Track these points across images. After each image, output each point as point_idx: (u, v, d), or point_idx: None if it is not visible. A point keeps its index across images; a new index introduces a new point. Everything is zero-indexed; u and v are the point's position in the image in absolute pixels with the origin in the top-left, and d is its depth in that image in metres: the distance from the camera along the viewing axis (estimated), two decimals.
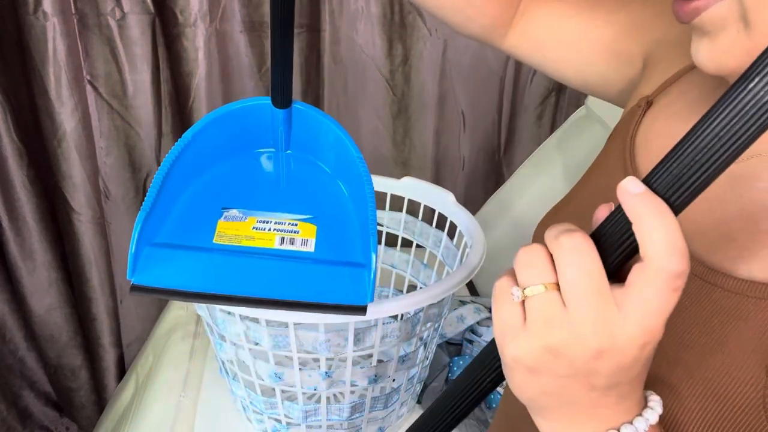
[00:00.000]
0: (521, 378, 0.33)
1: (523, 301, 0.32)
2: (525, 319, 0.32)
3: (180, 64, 1.19)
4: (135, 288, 0.44)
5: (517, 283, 0.32)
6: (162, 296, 0.44)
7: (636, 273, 0.29)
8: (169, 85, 1.21)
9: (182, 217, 0.50)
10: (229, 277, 0.45)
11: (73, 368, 1.43)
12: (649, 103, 0.51)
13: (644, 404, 0.34)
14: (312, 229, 0.49)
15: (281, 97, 0.52)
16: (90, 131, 1.20)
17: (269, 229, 0.49)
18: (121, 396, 1.12)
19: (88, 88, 1.17)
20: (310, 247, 0.47)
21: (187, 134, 0.51)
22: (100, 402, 1.48)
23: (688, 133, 0.28)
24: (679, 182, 0.28)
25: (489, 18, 0.61)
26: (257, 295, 0.43)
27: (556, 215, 0.55)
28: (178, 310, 1.11)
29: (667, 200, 0.29)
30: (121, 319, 1.40)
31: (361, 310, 0.43)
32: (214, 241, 0.47)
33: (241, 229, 0.48)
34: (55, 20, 1.08)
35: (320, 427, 0.78)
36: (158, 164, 1.27)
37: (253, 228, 0.48)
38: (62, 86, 1.12)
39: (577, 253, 0.30)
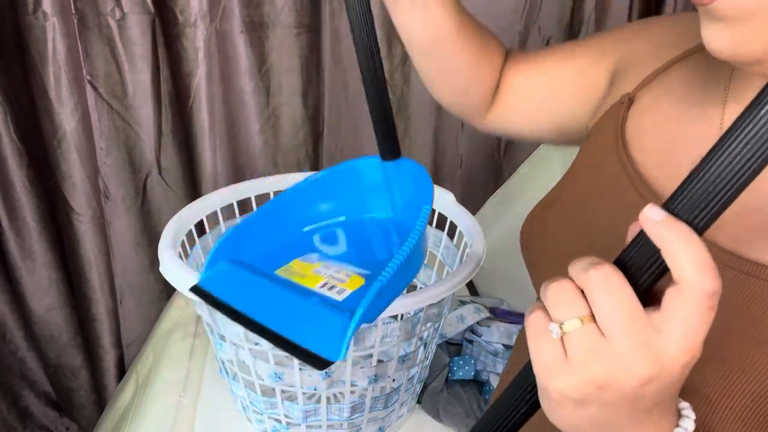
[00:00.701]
0: (567, 412, 0.33)
1: (561, 337, 0.32)
2: (565, 353, 0.32)
3: (180, 64, 1.19)
4: (195, 289, 0.47)
5: (550, 318, 0.32)
6: (209, 303, 0.46)
7: (671, 297, 0.29)
8: (169, 85, 1.21)
9: (270, 246, 0.52)
10: (255, 300, 0.46)
11: (73, 368, 1.43)
12: (630, 99, 0.52)
13: (678, 413, 0.34)
14: (359, 282, 0.48)
15: (390, 148, 0.53)
16: (90, 131, 1.20)
17: (323, 274, 0.49)
18: (121, 396, 1.12)
19: (88, 88, 1.17)
20: (341, 297, 0.46)
21: (309, 178, 0.54)
22: (100, 402, 1.48)
23: (706, 156, 0.29)
24: (701, 204, 0.29)
25: (479, 95, 0.64)
26: (261, 321, 0.44)
27: (547, 210, 0.55)
28: (177, 311, 1.11)
29: (690, 223, 0.29)
30: (121, 319, 1.39)
31: (324, 363, 0.40)
32: (275, 272, 0.49)
33: (305, 268, 0.49)
34: (55, 20, 1.08)
35: (320, 427, 0.79)
36: (158, 164, 1.27)
37: (314, 271, 0.49)
38: (62, 86, 1.12)
39: (608, 285, 0.30)
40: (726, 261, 0.39)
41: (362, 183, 0.56)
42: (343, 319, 0.41)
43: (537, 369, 0.33)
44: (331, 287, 0.47)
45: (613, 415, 0.32)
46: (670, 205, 0.30)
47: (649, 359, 0.30)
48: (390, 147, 0.53)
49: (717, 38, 0.38)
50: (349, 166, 0.55)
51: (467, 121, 0.69)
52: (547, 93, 0.62)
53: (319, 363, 0.39)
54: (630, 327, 0.30)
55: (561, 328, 0.32)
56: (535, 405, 0.36)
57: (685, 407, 0.35)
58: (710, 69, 0.47)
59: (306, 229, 0.55)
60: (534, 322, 0.33)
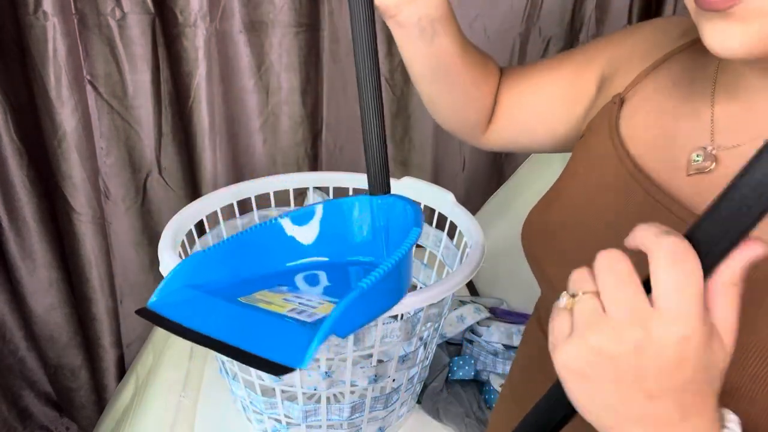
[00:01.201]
0: (576, 387, 0.34)
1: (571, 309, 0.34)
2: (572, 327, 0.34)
3: (180, 64, 1.19)
4: (142, 312, 0.44)
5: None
6: (159, 325, 0.44)
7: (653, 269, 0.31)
8: (169, 85, 1.21)
9: (238, 275, 0.49)
10: (213, 320, 0.43)
11: (73, 368, 1.43)
12: (622, 99, 0.54)
13: (721, 425, 0.34)
14: (330, 308, 0.45)
15: (381, 182, 0.51)
16: (90, 131, 1.20)
17: (293, 302, 0.46)
18: (121, 396, 1.13)
19: (88, 88, 1.17)
20: (312, 319, 0.43)
21: (294, 212, 0.51)
22: (100, 402, 1.48)
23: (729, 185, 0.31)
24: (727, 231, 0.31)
25: (478, 115, 0.66)
26: (218, 337, 0.41)
27: (547, 208, 0.56)
28: None
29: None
30: (121, 319, 1.40)
31: (284, 370, 0.37)
32: (238, 299, 0.46)
33: (272, 297, 0.47)
34: (55, 20, 1.08)
35: (320, 427, 0.79)
36: (158, 164, 1.27)
37: (282, 299, 0.47)
38: (62, 86, 1.12)
39: (610, 266, 0.33)
40: None
41: (349, 223, 0.53)
42: (310, 330, 0.38)
43: (549, 347, 0.35)
44: (301, 312, 0.44)
45: (622, 399, 0.33)
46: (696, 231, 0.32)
47: (636, 325, 0.31)
48: (381, 181, 0.52)
49: (728, 39, 0.38)
50: (336, 203, 0.53)
51: (466, 140, 0.71)
52: (539, 107, 0.64)
53: (278, 369, 0.37)
54: (623, 299, 0.32)
55: (572, 299, 0.34)
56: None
57: (732, 420, 0.34)
58: (697, 66, 0.49)
59: (289, 264, 0.53)
60: (555, 305, 0.35)
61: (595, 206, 0.51)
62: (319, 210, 0.53)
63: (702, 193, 0.44)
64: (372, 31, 0.49)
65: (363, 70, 0.49)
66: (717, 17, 0.38)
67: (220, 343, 0.40)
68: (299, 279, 0.51)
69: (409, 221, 0.49)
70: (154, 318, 0.44)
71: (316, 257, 0.53)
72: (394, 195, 0.51)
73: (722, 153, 0.44)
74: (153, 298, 0.45)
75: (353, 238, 0.53)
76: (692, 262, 0.31)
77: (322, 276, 0.52)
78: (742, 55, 0.38)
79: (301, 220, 0.53)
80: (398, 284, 0.45)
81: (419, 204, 0.51)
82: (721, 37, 0.38)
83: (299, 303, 0.45)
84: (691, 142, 0.46)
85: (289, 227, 0.52)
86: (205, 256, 0.48)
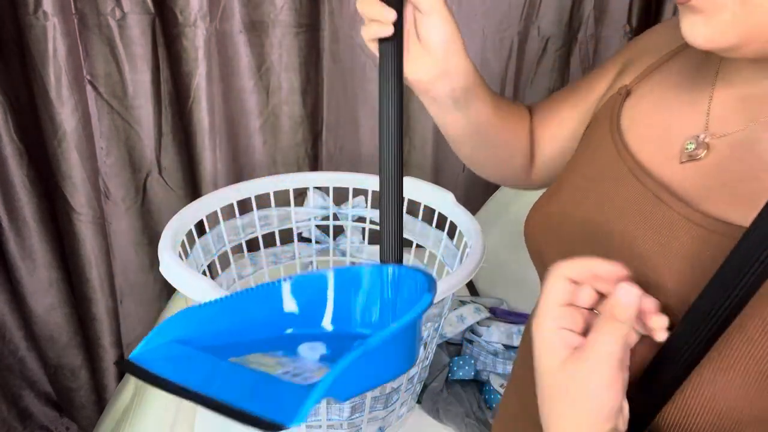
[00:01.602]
0: None
1: None
2: None
3: (180, 64, 1.19)
4: (122, 364, 0.43)
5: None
6: (140, 379, 0.42)
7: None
8: (169, 85, 1.21)
9: (229, 338, 0.47)
10: (200, 375, 0.42)
11: (73, 368, 1.43)
12: (628, 91, 0.54)
13: None
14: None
15: (393, 251, 0.51)
16: (90, 131, 1.20)
17: (287, 365, 0.44)
18: (121, 396, 1.13)
19: (88, 88, 1.17)
20: (308, 382, 0.40)
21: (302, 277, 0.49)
22: (100, 402, 1.48)
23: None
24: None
25: (521, 160, 0.67)
26: (204, 392, 0.40)
27: (549, 200, 0.56)
28: (178, 310, 1.11)
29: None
30: (121, 319, 1.40)
31: (274, 426, 0.35)
32: (229, 359, 0.44)
33: (265, 359, 0.45)
34: (55, 20, 1.08)
35: (320, 427, 0.79)
36: (158, 164, 1.27)
37: (276, 362, 0.45)
38: (62, 86, 1.12)
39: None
40: (714, 227, 0.41)
41: (358, 293, 0.51)
42: (305, 389, 0.36)
43: None
44: (296, 375, 0.41)
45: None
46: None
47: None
48: (394, 250, 0.51)
49: (694, 30, 0.40)
50: (347, 271, 0.50)
51: (515, 186, 0.72)
52: (570, 133, 0.64)
53: (266, 425, 0.35)
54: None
55: None
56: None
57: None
58: (703, 58, 0.50)
59: (289, 331, 0.50)
60: None
61: (593, 197, 0.51)
62: (330, 278, 0.51)
63: (691, 179, 0.45)
64: (399, 97, 0.50)
65: (386, 139, 0.50)
66: (687, 10, 0.40)
67: (204, 397, 0.40)
68: (300, 347, 0.49)
69: (420, 290, 0.46)
70: (135, 370, 0.42)
71: (320, 326, 0.50)
72: (406, 266, 0.49)
73: (714, 141, 0.45)
74: (136, 351, 0.43)
75: (360, 310, 0.51)
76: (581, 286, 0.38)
77: (322, 346, 0.49)
78: (708, 46, 0.40)
79: (308, 286, 0.50)
80: (409, 350, 0.43)
81: (432, 273, 0.49)
82: (690, 29, 0.40)
83: (294, 367, 0.43)
84: (687, 131, 0.47)
85: (289, 296, 0.50)
86: (196, 313, 0.46)
